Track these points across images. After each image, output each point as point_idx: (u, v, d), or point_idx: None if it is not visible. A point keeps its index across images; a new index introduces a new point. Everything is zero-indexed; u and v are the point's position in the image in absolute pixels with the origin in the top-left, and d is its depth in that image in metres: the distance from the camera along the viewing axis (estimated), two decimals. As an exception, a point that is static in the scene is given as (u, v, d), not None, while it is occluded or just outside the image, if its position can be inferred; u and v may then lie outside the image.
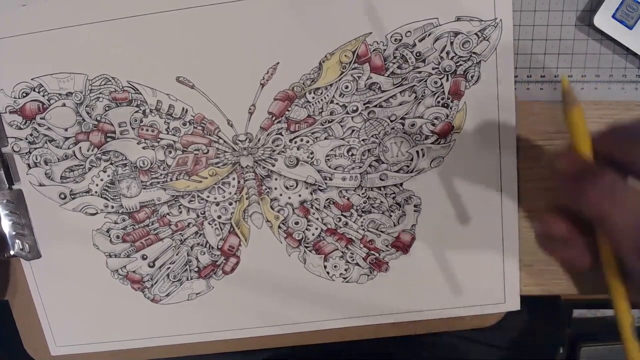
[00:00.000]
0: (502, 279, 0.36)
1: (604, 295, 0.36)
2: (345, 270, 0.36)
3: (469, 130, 0.34)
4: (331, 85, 0.33)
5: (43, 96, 0.34)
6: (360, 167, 0.35)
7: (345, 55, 0.33)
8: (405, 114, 0.34)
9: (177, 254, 0.37)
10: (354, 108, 0.34)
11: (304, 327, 0.38)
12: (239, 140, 0.35)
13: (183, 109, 0.34)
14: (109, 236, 0.36)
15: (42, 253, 0.37)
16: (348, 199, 0.35)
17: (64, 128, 0.35)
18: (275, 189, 0.35)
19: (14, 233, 0.36)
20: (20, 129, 0.35)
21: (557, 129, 0.34)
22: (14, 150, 0.35)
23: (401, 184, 0.35)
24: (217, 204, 0.36)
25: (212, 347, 0.38)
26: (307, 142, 0.34)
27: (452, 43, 0.32)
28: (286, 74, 0.33)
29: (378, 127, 0.34)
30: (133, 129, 0.35)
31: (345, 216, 0.35)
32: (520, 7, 0.32)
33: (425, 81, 0.33)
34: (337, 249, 0.36)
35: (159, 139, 0.35)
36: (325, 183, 0.35)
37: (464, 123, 0.34)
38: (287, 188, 0.35)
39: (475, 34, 0.32)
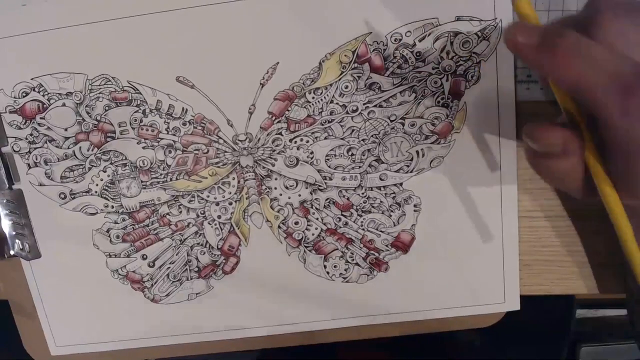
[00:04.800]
0: (502, 279, 0.36)
1: (603, 296, 0.36)
2: (345, 270, 0.36)
3: (469, 130, 0.34)
4: (331, 85, 0.33)
5: (43, 96, 0.34)
6: (360, 167, 0.35)
7: (345, 55, 0.33)
8: (405, 114, 0.34)
9: (177, 254, 0.37)
10: (354, 108, 0.34)
11: (304, 327, 0.37)
12: (239, 140, 0.35)
13: (183, 108, 0.34)
14: (109, 236, 0.36)
15: (42, 253, 0.37)
16: (348, 198, 0.35)
17: (64, 128, 0.35)
18: (275, 188, 0.35)
19: (14, 233, 0.36)
20: (20, 128, 0.35)
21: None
22: (14, 150, 0.35)
23: (401, 184, 0.35)
24: (217, 204, 0.36)
25: (212, 347, 0.38)
26: (307, 142, 0.34)
27: (452, 43, 0.32)
28: (286, 74, 0.33)
29: (378, 127, 0.34)
30: (133, 128, 0.35)
31: (345, 216, 0.35)
32: (520, 7, 0.32)
33: (425, 81, 0.33)
34: (337, 249, 0.36)
35: (159, 139, 0.35)
36: (325, 183, 0.35)
37: (464, 123, 0.34)
38: (287, 188, 0.35)
39: (475, 33, 0.32)
